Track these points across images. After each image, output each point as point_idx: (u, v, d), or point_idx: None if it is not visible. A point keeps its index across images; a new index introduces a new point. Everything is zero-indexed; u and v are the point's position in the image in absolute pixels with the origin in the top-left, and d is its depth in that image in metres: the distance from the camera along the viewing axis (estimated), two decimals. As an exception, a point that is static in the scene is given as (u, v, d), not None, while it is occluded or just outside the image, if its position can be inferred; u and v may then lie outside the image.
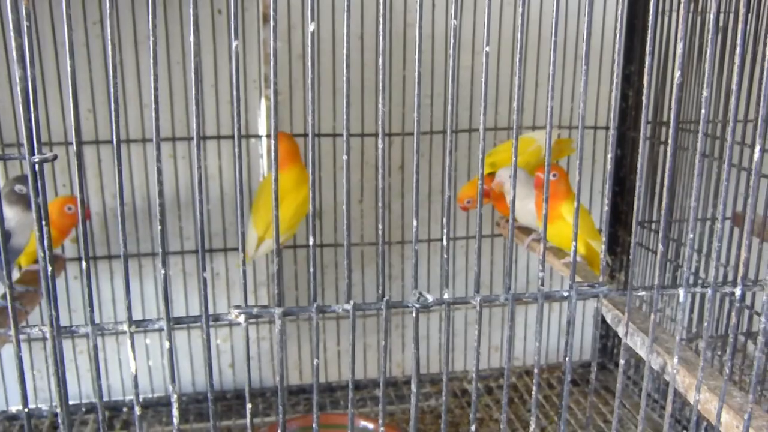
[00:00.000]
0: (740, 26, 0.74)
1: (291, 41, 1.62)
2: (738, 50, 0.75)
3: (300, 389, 1.87)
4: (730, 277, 1.47)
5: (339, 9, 1.57)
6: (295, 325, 1.81)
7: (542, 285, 0.75)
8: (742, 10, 0.72)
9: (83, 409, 1.74)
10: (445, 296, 0.72)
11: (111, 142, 0.59)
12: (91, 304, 0.65)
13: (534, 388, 0.76)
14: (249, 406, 0.70)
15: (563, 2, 1.63)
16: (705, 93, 0.75)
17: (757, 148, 0.77)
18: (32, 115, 0.58)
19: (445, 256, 0.72)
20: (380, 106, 0.65)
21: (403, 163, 1.76)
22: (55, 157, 0.60)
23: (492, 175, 1.54)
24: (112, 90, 0.58)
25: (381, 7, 0.63)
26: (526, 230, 1.59)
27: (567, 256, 1.44)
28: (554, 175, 1.39)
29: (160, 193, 0.64)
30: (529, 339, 1.96)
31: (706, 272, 1.53)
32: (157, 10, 0.59)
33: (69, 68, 0.58)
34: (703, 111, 0.76)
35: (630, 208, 1.77)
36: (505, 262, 0.65)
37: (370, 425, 1.54)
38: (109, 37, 0.57)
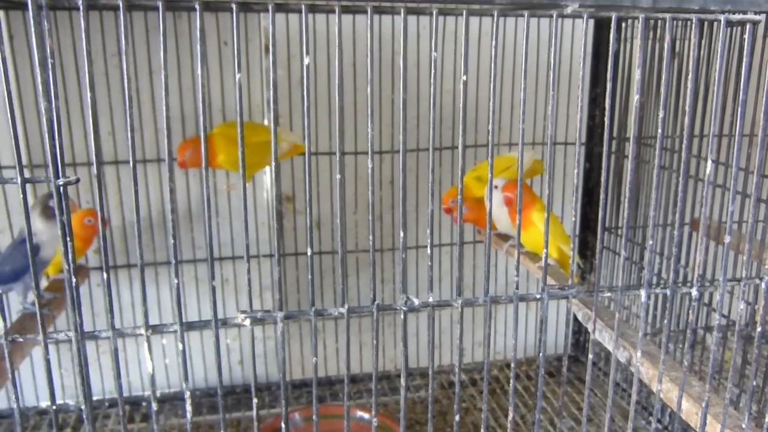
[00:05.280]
0: (693, 52, 0.75)
1: (290, 69, 1.62)
2: (691, 74, 0.75)
3: (302, 383, 1.86)
4: (689, 276, 1.47)
5: (335, 38, 1.58)
6: (298, 325, 1.81)
7: (517, 288, 0.75)
8: (694, 39, 0.73)
9: (106, 404, 1.73)
10: (430, 299, 0.72)
11: (128, 162, 0.59)
12: (111, 312, 0.65)
13: (512, 380, 0.76)
14: (255, 401, 0.70)
15: (534, 32, 1.64)
16: (661, 113, 0.76)
17: (710, 161, 0.78)
18: (56, 142, 0.58)
19: (430, 263, 0.72)
20: (369, 130, 0.65)
21: (393, 177, 1.76)
22: (78, 180, 0.60)
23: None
24: (128, 120, 0.59)
25: (370, 41, 0.63)
26: (504, 237, 1.59)
27: (542, 260, 1.44)
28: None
29: (173, 210, 0.64)
30: (509, 335, 1.96)
31: (667, 271, 1.53)
32: (168, 45, 0.59)
33: (90, 100, 0.58)
34: (659, 130, 0.76)
35: (598, 216, 1.78)
36: (485, 267, 0.67)
37: (366, 415, 1.55)
38: (125, 73, 0.57)
